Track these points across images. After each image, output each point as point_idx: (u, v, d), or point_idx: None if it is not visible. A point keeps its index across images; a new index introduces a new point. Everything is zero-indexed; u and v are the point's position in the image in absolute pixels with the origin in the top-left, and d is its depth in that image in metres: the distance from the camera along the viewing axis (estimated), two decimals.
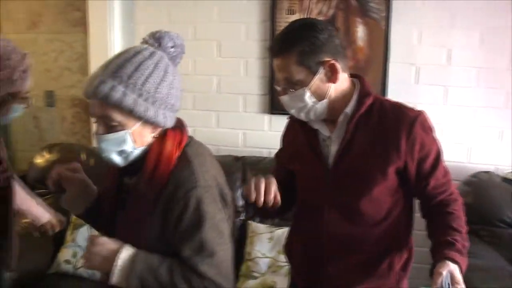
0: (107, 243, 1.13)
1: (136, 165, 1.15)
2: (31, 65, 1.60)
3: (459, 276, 1.15)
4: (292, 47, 1.22)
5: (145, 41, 1.18)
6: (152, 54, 1.12)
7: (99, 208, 1.29)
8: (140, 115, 1.08)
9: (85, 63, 2.93)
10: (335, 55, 1.23)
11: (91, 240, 1.14)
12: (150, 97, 1.09)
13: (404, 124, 1.24)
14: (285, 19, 2.42)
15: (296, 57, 1.21)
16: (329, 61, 1.22)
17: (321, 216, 1.32)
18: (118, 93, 1.05)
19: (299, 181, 1.41)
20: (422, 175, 1.27)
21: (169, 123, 1.16)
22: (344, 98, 1.28)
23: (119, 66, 1.08)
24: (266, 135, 2.64)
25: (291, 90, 1.25)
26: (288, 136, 1.47)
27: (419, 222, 1.39)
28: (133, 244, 1.14)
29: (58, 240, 2.28)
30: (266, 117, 2.64)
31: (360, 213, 1.29)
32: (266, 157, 2.47)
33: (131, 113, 1.08)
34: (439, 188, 1.29)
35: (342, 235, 1.32)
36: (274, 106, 2.56)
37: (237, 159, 2.43)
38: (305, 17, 1.42)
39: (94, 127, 1.19)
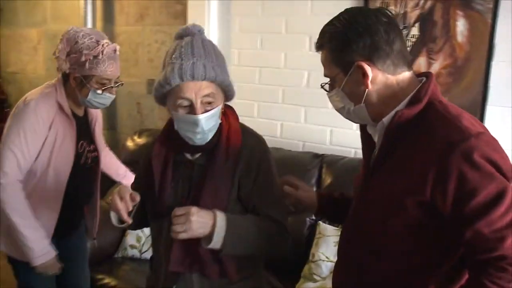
0: (201, 211, 1.23)
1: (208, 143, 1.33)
2: (107, 53, 1.70)
3: None
4: (325, 43, 1.13)
5: (179, 37, 1.33)
6: (198, 39, 1.30)
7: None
8: (227, 85, 1.31)
9: None
10: (368, 55, 1.07)
11: (188, 211, 1.21)
12: (225, 69, 1.30)
13: (441, 146, 0.99)
14: None
15: (329, 55, 1.13)
16: (357, 61, 1.08)
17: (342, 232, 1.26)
18: (216, 71, 1.25)
19: None
20: (458, 221, 0.99)
21: (233, 95, 1.38)
22: (392, 101, 1.10)
23: (206, 51, 1.26)
24: (354, 134, 2.53)
25: (330, 85, 1.16)
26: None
27: None
28: (218, 208, 1.28)
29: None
30: None
31: (366, 240, 1.14)
32: (346, 157, 2.38)
33: (223, 85, 1.30)
34: (480, 244, 0.96)
35: (349, 259, 1.21)
36: None
37: (316, 156, 2.38)
38: (359, 6, 1.16)
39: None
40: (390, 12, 1.12)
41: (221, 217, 1.24)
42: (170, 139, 1.37)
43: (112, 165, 2.19)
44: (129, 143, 2.75)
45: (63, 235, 1.86)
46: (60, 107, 1.75)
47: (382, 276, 1.11)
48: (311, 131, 2.67)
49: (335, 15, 1.14)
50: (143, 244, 2.35)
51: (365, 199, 1.17)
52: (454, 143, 0.97)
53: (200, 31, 1.32)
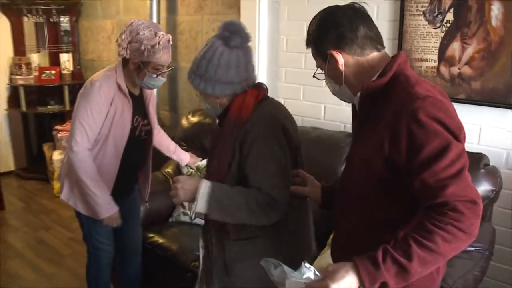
0: (187, 180, 1.49)
1: (222, 117, 1.60)
2: (162, 43, 1.96)
3: (332, 284, 1.08)
4: (309, 40, 1.33)
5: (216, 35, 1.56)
6: (208, 44, 1.53)
7: None
8: (203, 90, 1.54)
9: None
10: (336, 44, 1.25)
11: (175, 180, 1.49)
12: (205, 77, 1.51)
13: (395, 109, 1.15)
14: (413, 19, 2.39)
15: (313, 49, 1.33)
16: (332, 51, 1.26)
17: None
18: (191, 78, 1.55)
19: None
20: (411, 173, 1.12)
21: (228, 91, 1.54)
22: (367, 80, 1.27)
23: (195, 59, 1.54)
24: None
25: (322, 74, 1.36)
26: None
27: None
28: (219, 173, 1.52)
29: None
30: None
31: (348, 196, 1.31)
32: None
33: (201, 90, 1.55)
34: (427, 192, 1.10)
35: (339, 219, 1.38)
36: None
37: (349, 135, 2.52)
38: (332, 5, 1.35)
39: None
40: (358, 4, 1.31)
41: (204, 185, 1.45)
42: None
43: (163, 141, 2.48)
44: (184, 122, 3.05)
45: (120, 195, 2.18)
46: (119, 87, 2.04)
47: (361, 228, 1.28)
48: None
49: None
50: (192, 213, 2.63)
51: (347, 165, 1.36)
52: (404, 105, 1.14)
53: (223, 36, 1.52)
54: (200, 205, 1.45)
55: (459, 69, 2.31)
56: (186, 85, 3.86)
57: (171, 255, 2.37)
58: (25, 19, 4.78)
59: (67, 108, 4.84)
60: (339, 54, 1.26)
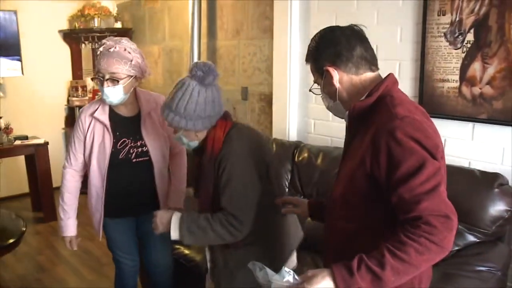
0: (163, 214, 1.77)
1: (198, 149, 1.79)
2: (102, 49, 2.00)
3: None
4: (308, 56, 1.43)
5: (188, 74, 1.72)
6: (183, 85, 1.67)
7: None
8: (184, 128, 1.70)
9: (271, 64, 3.45)
10: (333, 61, 1.34)
11: (154, 214, 1.79)
12: (184, 115, 1.66)
13: (376, 128, 1.23)
14: (437, 21, 2.42)
15: (311, 65, 1.43)
16: (327, 67, 1.34)
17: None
18: (169, 117, 1.69)
19: None
20: (390, 187, 1.19)
21: (207, 125, 1.71)
22: (358, 98, 1.35)
23: (170, 99, 1.69)
24: None
25: (318, 88, 1.44)
26: None
27: None
28: (205, 197, 1.75)
29: None
30: None
31: (338, 205, 1.37)
32: None
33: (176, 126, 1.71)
34: (403, 206, 1.16)
35: (328, 227, 1.45)
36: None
37: None
38: (332, 26, 1.43)
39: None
40: (358, 27, 1.39)
41: (175, 217, 1.71)
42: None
43: (175, 172, 2.40)
44: None
45: (117, 215, 2.30)
46: (100, 111, 2.13)
47: (346, 235, 1.34)
48: None
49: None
50: None
51: (336, 179, 1.43)
52: (384, 124, 1.21)
53: (196, 76, 1.67)
54: (174, 234, 1.70)
55: (480, 89, 2.31)
56: (224, 106, 4.03)
57: (194, 265, 2.49)
58: (83, 46, 5.20)
59: None
60: (335, 70, 1.35)
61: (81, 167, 2.28)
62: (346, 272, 1.15)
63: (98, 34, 5.09)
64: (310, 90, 1.49)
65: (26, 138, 4.38)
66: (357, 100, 1.35)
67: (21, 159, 4.66)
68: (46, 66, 5.11)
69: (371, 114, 1.29)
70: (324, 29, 1.43)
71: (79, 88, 5.23)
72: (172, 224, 1.70)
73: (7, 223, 3.26)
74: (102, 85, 2.02)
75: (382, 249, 1.13)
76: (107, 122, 2.14)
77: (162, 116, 1.75)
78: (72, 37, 5.21)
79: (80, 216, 4.54)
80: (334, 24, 2.91)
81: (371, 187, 1.25)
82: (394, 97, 1.30)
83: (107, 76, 1.99)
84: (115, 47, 1.98)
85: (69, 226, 2.34)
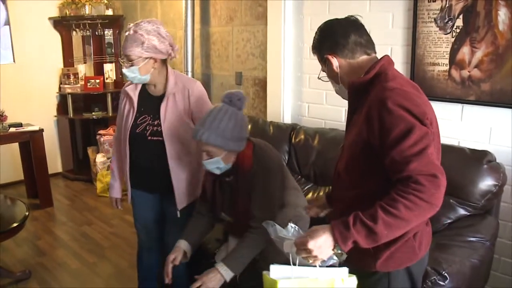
0: (208, 277, 1.87)
1: (231, 170, 2.00)
2: (126, 35, 2.16)
3: (313, 240, 1.28)
4: (313, 47, 1.58)
5: (222, 101, 1.95)
6: (224, 111, 1.90)
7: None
8: (228, 150, 1.92)
9: (264, 49, 3.53)
10: (330, 50, 1.49)
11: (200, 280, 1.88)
12: (229, 137, 1.89)
13: (369, 97, 1.39)
14: (427, 7, 2.53)
15: (317, 55, 1.57)
16: (328, 55, 1.50)
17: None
18: (211, 139, 1.88)
19: None
20: (384, 152, 1.31)
21: (242, 146, 1.97)
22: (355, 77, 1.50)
23: (211, 122, 1.88)
24: None
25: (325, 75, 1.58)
26: None
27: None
28: (245, 211, 2.00)
29: None
30: None
31: (341, 176, 1.51)
32: None
33: (220, 148, 1.91)
34: (394, 167, 1.28)
35: (335, 188, 1.59)
36: None
37: None
38: (332, 19, 1.57)
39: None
40: (353, 17, 1.54)
41: (223, 269, 1.87)
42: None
43: None
44: None
45: (138, 187, 2.43)
46: (133, 87, 2.33)
47: (347, 203, 1.47)
48: None
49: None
50: None
51: (341, 153, 1.56)
52: (377, 96, 1.35)
53: (233, 102, 1.92)
54: (229, 278, 1.88)
55: (469, 72, 2.43)
56: (218, 90, 4.12)
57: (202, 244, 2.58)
58: (74, 33, 5.19)
59: (110, 114, 5.19)
60: (334, 58, 1.50)
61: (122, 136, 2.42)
62: (343, 227, 1.27)
63: (89, 22, 5.09)
64: (318, 78, 1.62)
65: (20, 125, 4.39)
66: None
67: (16, 146, 4.68)
68: (37, 54, 5.10)
69: (367, 90, 1.43)
70: (324, 22, 1.58)
71: (71, 75, 5.23)
72: (225, 276, 1.87)
73: (6, 208, 3.32)
74: (123, 66, 2.20)
75: (376, 206, 1.26)
76: (133, 96, 2.31)
77: (196, 138, 1.92)
78: (63, 24, 5.20)
79: (78, 202, 4.65)
80: (326, 10, 3.09)
81: (368, 155, 1.37)
82: (388, 74, 1.43)
83: (124, 58, 2.16)
84: (130, 31, 2.14)
85: (115, 188, 2.56)
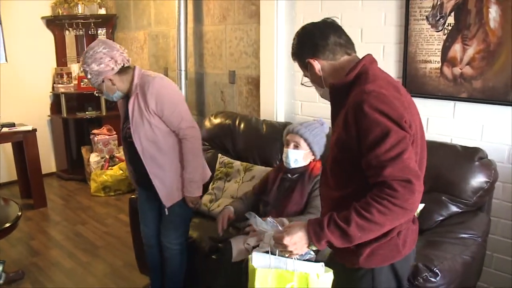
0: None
1: (301, 170, 2.34)
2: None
3: (288, 236, 1.34)
4: (292, 54, 1.57)
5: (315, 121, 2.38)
6: (317, 124, 2.36)
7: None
8: (310, 146, 2.31)
9: (257, 48, 3.53)
10: (312, 53, 1.48)
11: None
12: (316, 142, 2.32)
13: (347, 101, 1.38)
14: (419, 4, 2.54)
15: (298, 61, 1.56)
16: (310, 60, 1.48)
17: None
18: (306, 133, 2.30)
19: None
20: (362, 154, 1.33)
21: (319, 156, 2.37)
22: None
23: (308, 125, 2.34)
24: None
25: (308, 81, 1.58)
26: None
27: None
28: (298, 208, 2.28)
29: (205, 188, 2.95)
30: None
31: (328, 176, 1.51)
32: None
33: (308, 144, 2.31)
34: (370, 171, 1.31)
35: (321, 196, 1.61)
36: (406, 89, 2.67)
37: None
38: (309, 23, 1.56)
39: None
40: (329, 19, 1.53)
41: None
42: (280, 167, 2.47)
43: (182, 160, 2.40)
44: (207, 123, 3.28)
45: (139, 186, 2.56)
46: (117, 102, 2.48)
47: (333, 202, 1.49)
48: None
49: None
50: (211, 206, 2.87)
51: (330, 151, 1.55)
52: (354, 100, 1.35)
53: (324, 126, 2.37)
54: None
55: (460, 69, 2.44)
56: (211, 89, 4.11)
57: (191, 242, 2.58)
58: (67, 32, 5.17)
59: (103, 113, 5.17)
60: (315, 61, 1.48)
61: None
62: (318, 226, 1.33)
63: (82, 21, 5.06)
64: (302, 84, 1.61)
65: (13, 125, 4.37)
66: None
67: (9, 146, 4.66)
68: (30, 53, 5.07)
69: (348, 91, 1.42)
70: (301, 28, 1.57)
71: (64, 75, 5.21)
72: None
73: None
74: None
75: (351, 209, 1.30)
76: (120, 105, 2.48)
77: (293, 131, 2.32)
78: (56, 23, 5.17)
79: (72, 202, 4.64)
80: (319, 8, 3.10)
81: (350, 158, 1.39)
82: (369, 74, 1.41)
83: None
84: (81, 69, 2.41)
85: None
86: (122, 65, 2.24)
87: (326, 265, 1.47)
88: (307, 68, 1.52)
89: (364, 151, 1.31)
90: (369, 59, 1.47)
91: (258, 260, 1.42)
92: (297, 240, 1.34)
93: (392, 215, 1.26)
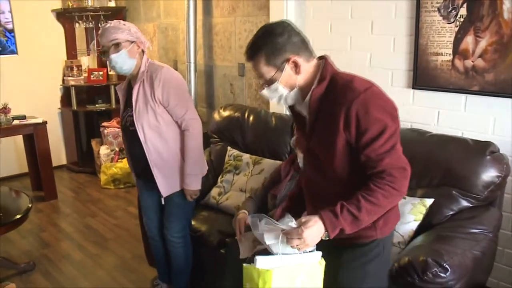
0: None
1: None
2: (101, 28, 2.27)
3: (307, 230, 1.37)
4: (259, 52, 1.47)
5: None
6: None
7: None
8: None
9: None
10: (296, 51, 1.46)
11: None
12: None
13: (344, 103, 1.41)
14: None
15: (264, 60, 1.47)
16: (290, 58, 1.45)
17: (306, 173, 1.68)
18: None
19: None
20: (358, 149, 1.44)
21: None
22: (311, 82, 1.51)
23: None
24: (410, 109, 2.75)
25: (267, 85, 1.51)
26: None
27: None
28: None
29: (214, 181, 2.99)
30: (411, 91, 2.74)
31: (326, 174, 1.56)
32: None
33: None
34: (370, 163, 1.44)
35: (316, 188, 1.64)
36: (417, 82, 2.66)
37: None
38: (273, 22, 1.53)
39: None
40: (286, 21, 1.53)
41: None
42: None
43: (183, 154, 2.41)
44: (216, 116, 3.27)
45: (139, 177, 2.54)
46: (120, 85, 2.47)
47: (334, 195, 1.51)
48: None
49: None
50: (220, 199, 2.87)
51: (312, 153, 1.58)
52: (352, 98, 1.41)
53: None
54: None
55: (472, 61, 2.40)
56: (221, 81, 4.10)
57: (200, 236, 2.59)
58: (77, 25, 5.17)
59: (113, 106, 5.19)
60: (299, 59, 1.47)
61: None
62: (332, 216, 1.42)
63: (92, 13, 5.06)
64: (260, 92, 1.57)
65: (24, 117, 4.40)
66: (308, 85, 1.51)
67: (20, 138, 4.70)
68: (40, 46, 5.09)
69: (327, 95, 1.48)
70: (266, 26, 1.52)
71: (74, 67, 5.23)
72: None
73: (11, 201, 3.34)
74: (108, 55, 2.22)
75: (358, 196, 1.43)
76: (120, 93, 2.45)
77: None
78: (66, 16, 5.18)
79: (82, 194, 4.67)
80: (329, 2, 3.05)
81: (348, 150, 1.47)
82: (340, 74, 1.50)
83: (110, 44, 2.20)
84: (110, 23, 2.25)
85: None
86: (142, 49, 2.31)
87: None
88: (281, 68, 1.46)
89: (362, 146, 1.43)
90: (331, 61, 1.53)
91: (265, 262, 1.42)
92: (314, 232, 1.40)
93: (392, 198, 1.45)
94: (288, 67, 1.47)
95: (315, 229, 1.40)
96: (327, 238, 1.43)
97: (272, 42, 1.46)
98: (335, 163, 1.50)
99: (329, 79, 1.48)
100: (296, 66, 1.47)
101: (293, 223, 1.42)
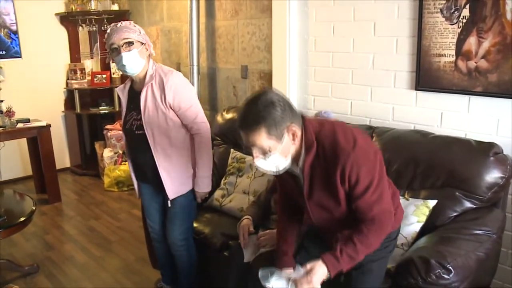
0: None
1: None
2: (111, 28, 2.24)
3: (315, 276, 1.57)
4: (260, 125, 1.46)
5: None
6: None
7: None
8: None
9: (270, 42, 3.51)
10: (291, 119, 1.50)
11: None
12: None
13: (338, 164, 1.54)
14: None
15: (265, 132, 1.47)
16: (289, 127, 1.50)
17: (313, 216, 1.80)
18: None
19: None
20: (352, 198, 1.61)
21: None
22: (300, 147, 1.59)
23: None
24: (413, 110, 2.74)
25: (264, 156, 1.53)
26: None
27: None
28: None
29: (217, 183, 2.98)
30: (414, 93, 2.73)
31: (333, 213, 1.72)
32: (393, 129, 2.59)
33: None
34: (361, 210, 1.62)
35: (325, 223, 1.79)
36: (420, 83, 2.65)
37: (369, 128, 2.64)
38: (261, 92, 1.55)
39: None
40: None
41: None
42: None
43: (195, 157, 2.42)
44: (219, 118, 3.27)
45: (139, 179, 2.54)
46: (122, 88, 2.44)
47: (342, 229, 1.72)
48: (375, 108, 2.93)
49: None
50: (223, 201, 2.87)
51: (318, 206, 1.72)
52: (344, 162, 1.54)
53: None
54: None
55: (475, 62, 2.40)
56: (224, 84, 4.11)
57: (203, 238, 2.59)
58: (80, 28, 5.20)
59: (117, 109, 5.20)
60: (295, 127, 1.52)
61: None
62: (334, 260, 1.60)
63: (95, 17, 5.09)
64: (256, 164, 1.59)
65: (28, 121, 4.42)
66: (298, 150, 1.59)
67: (24, 142, 4.72)
68: (44, 50, 5.12)
69: (318, 160, 1.59)
70: (260, 95, 1.51)
71: (78, 71, 5.25)
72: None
73: (15, 203, 3.35)
74: (118, 53, 2.18)
75: (354, 239, 1.61)
76: (122, 96, 2.42)
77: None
78: (69, 20, 5.21)
79: (85, 197, 4.69)
80: (332, 2, 3.06)
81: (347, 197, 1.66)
82: (322, 134, 1.58)
83: (121, 43, 2.18)
84: (122, 23, 2.23)
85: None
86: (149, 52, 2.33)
87: None
88: (280, 137, 1.49)
89: (354, 196, 1.60)
90: (308, 119, 1.62)
91: None
92: (320, 276, 1.59)
93: (382, 236, 1.67)
94: (287, 137, 1.51)
95: (320, 273, 1.59)
96: (328, 277, 1.61)
97: (272, 114, 1.45)
98: (341, 207, 1.68)
99: (316, 145, 1.57)
100: (294, 134, 1.53)
101: (301, 271, 1.62)
